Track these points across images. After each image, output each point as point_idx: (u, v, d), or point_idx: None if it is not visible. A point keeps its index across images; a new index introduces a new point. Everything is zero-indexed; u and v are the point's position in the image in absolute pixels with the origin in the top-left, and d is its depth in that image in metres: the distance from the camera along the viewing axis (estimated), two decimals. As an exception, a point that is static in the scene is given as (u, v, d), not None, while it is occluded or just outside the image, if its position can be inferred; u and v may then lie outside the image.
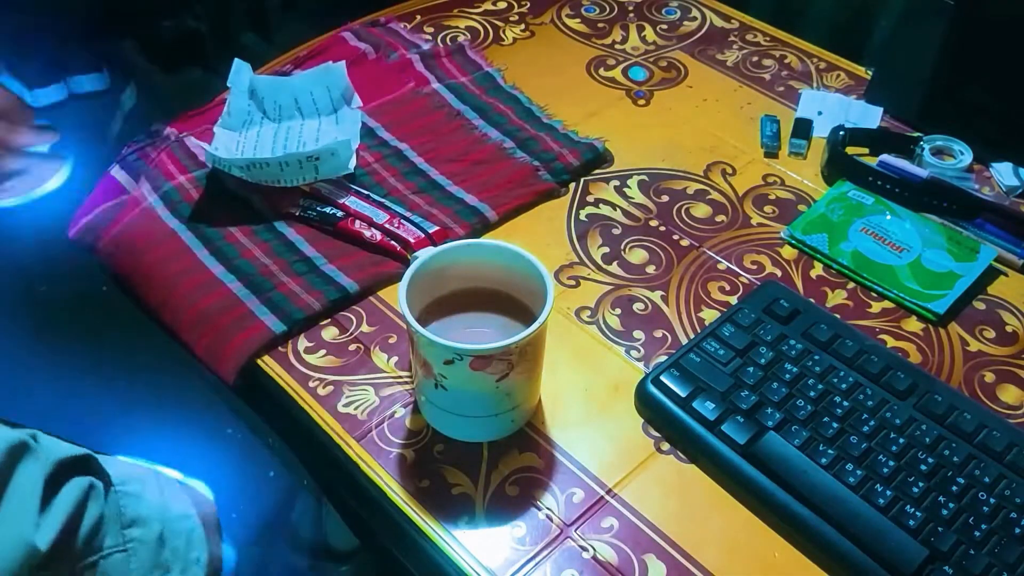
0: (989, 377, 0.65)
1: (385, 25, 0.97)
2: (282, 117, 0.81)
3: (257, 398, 0.66)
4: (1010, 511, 0.54)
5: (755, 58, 0.94)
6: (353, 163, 0.77)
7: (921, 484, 0.55)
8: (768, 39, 0.97)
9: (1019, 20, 0.76)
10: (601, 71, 0.92)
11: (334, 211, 0.73)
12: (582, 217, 0.76)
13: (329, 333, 0.67)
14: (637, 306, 0.69)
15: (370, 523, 0.60)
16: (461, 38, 0.95)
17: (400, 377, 0.64)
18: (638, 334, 0.67)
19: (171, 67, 2.07)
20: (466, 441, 0.60)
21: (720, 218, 0.77)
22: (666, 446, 0.60)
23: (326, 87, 0.82)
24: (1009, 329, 0.68)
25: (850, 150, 0.81)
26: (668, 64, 0.93)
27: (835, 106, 0.87)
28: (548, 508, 0.57)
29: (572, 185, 0.79)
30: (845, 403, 0.60)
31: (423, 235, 0.71)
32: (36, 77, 2.14)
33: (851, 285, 0.71)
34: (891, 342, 0.67)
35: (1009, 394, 0.64)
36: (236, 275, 0.69)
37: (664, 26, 0.99)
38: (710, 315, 0.68)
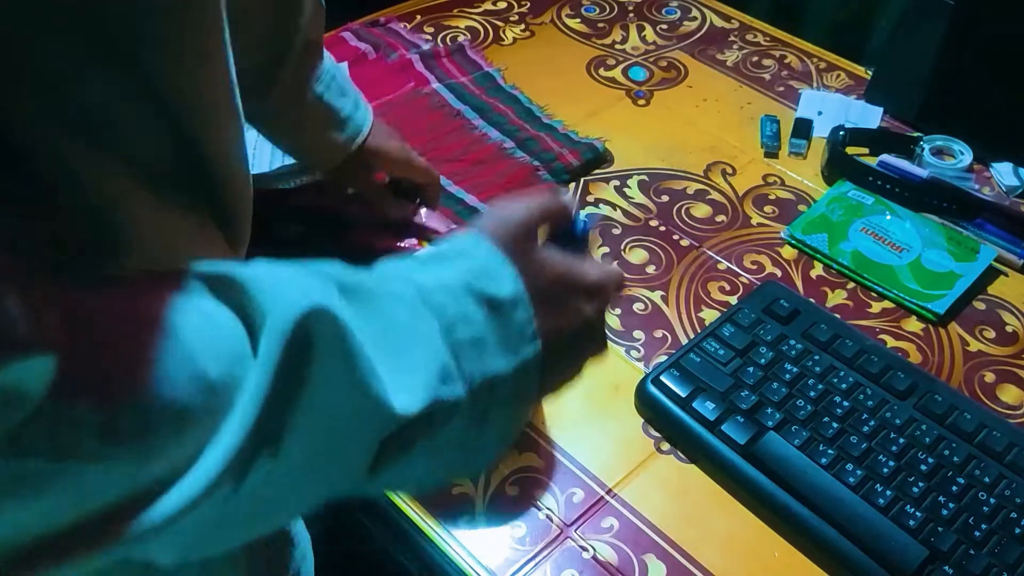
0: (989, 377, 0.65)
1: (385, 25, 0.97)
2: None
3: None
4: (1010, 511, 0.54)
5: (755, 58, 0.94)
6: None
7: (921, 484, 0.55)
8: (768, 39, 0.97)
9: (1018, 20, 0.76)
10: (601, 71, 0.92)
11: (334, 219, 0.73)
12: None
13: (329, 333, 0.66)
14: (637, 306, 0.69)
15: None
16: (461, 38, 0.95)
17: (400, 377, 0.64)
18: (638, 334, 0.67)
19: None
20: (466, 441, 0.60)
21: (720, 218, 0.77)
22: (666, 446, 0.60)
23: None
24: (1009, 329, 0.68)
25: (850, 150, 0.81)
26: (668, 64, 0.93)
27: (835, 106, 0.87)
28: (548, 508, 0.57)
29: (572, 185, 0.79)
30: (845, 403, 0.60)
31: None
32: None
33: (851, 285, 0.71)
34: (891, 342, 0.67)
35: (1009, 394, 0.64)
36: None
37: (664, 26, 0.99)
38: (710, 315, 0.68)
